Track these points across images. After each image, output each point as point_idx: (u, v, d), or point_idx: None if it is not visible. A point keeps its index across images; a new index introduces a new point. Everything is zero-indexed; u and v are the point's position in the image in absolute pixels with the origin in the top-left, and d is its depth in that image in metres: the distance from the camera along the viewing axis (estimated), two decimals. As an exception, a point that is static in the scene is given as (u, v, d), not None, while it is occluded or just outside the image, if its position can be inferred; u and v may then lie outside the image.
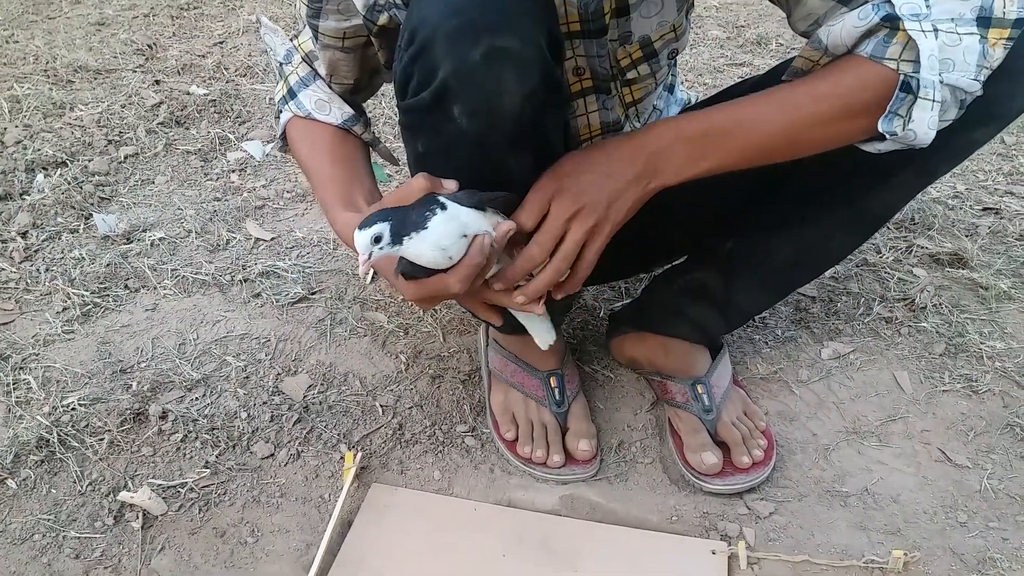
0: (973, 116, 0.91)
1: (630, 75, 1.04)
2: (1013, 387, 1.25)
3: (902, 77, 0.81)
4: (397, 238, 0.77)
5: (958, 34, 0.81)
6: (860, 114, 0.84)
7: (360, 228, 0.77)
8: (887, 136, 0.83)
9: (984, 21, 0.83)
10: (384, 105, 2.09)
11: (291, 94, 1.09)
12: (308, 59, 1.09)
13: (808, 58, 0.89)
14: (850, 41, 0.83)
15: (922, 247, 1.55)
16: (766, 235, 1.07)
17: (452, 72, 0.77)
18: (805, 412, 1.22)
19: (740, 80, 1.26)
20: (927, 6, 0.81)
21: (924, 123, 0.82)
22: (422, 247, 0.77)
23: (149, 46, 2.53)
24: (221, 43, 2.59)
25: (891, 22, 0.80)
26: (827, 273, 1.46)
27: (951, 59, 0.81)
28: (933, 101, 0.81)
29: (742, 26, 2.69)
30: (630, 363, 1.26)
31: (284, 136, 1.14)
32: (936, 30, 0.80)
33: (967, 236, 1.59)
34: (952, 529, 1.04)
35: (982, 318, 1.39)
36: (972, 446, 1.16)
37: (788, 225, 1.05)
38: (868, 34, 0.82)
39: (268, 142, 1.96)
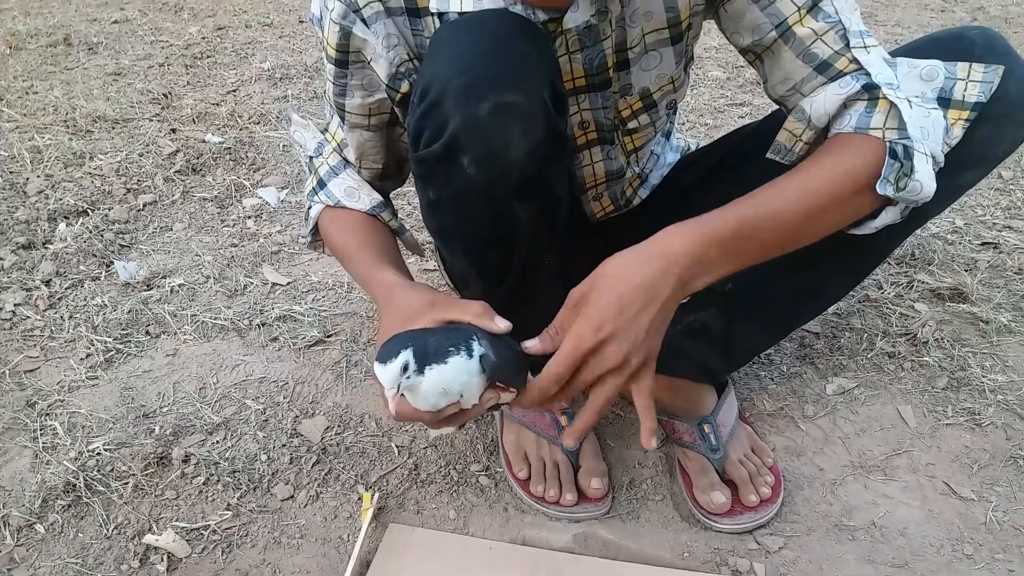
0: (960, 161, 0.96)
1: (631, 125, 1.09)
2: (1015, 420, 1.27)
3: (888, 145, 0.86)
4: (423, 363, 0.76)
5: (925, 108, 0.88)
6: (863, 189, 0.87)
7: (382, 361, 0.75)
8: (895, 199, 0.87)
9: (944, 101, 0.91)
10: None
11: (321, 184, 1.13)
12: (339, 148, 1.13)
13: (791, 131, 0.95)
14: (832, 109, 0.89)
15: (923, 282, 1.59)
16: (765, 276, 1.11)
17: (461, 126, 0.83)
18: (811, 447, 1.25)
19: (734, 130, 1.31)
20: (897, 80, 0.88)
21: (926, 174, 0.86)
22: (431, 386, 0.77)
23: (164, 95, 2.61)
24: (234, 91, 2.67)
25: (870, 91, 0.87)
26: (829, 310, 1.50)
27: (925, 128, 0.87)
28: (926, 154, 0.86)
29: (741, 66, 2.75)
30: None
31: (315, 232, 1.17)
32: (910, 101, 0.86)
33: (967, 271, 1.62)
34: (959, 562, 1.06)
35: (983, 352, 1.41)
36: (976, 479, 1.18)
37: (786, 265, 1.09)
38: (849, 103, 0.87)
39: (282, 188, 2.02)
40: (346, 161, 1.13)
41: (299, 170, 2.09)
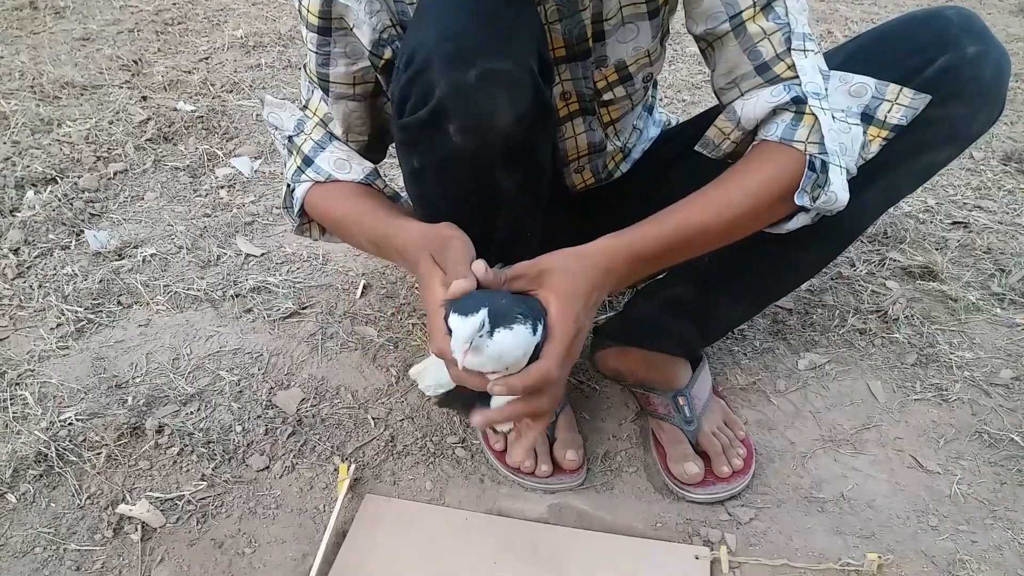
0: (935, 139, 0.98)
1: (606, 96, 1.09)
2: (981, 395, 1.30)
3: (808, 157, 0.91)
4: (493, 325, 0.77)
5: (847, 123, 0.94)
6: (784, 197, 0.92)
7: (463, 314, 0.76)
8: (810, 208, 0.92)
9: (867, 118, 0.97)
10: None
11: (307, 162, 1.08)
12: (323, 122, 1.09)
13: (721, 129, 0.99)
14: (761, 115, 0.93)
15: (894, 260, 1.61)
16: (741, 251, 1.12)
17: (448, 92, 0.82)
18: (783, 421, 1.27)
19: (712, 107, 1.32)
20: (825, 90, 0.93)
21: (840, 186, 0.92)
22: (504, 347, 0.77)
23: (135, 62, 2.55)
24: (207, 59, 2.62)
25: (798, 104, 0.91)
26: (803, 286, 1.52)
27: (844, 143, 0.93)
28: (840, 167, 0.91)
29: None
30: (614, 376, 1.30)
31: (302, 212, 1.11)
32: (833, 116, 0.92)
33: (937, 249, 1.65)
34: (924, 532, 1.08)
35: (952, 329, 1.44)
36: (942, 453, 1.21)
37: (762, 241, 1.10)
38: (778, 111, 0.92)
39: (256, 158, 1.99)
40: (331, 134, 1.09)
41: (274, 147, 2.06)
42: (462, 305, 0.77)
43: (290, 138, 1.10)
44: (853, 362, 1.38)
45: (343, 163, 1.08)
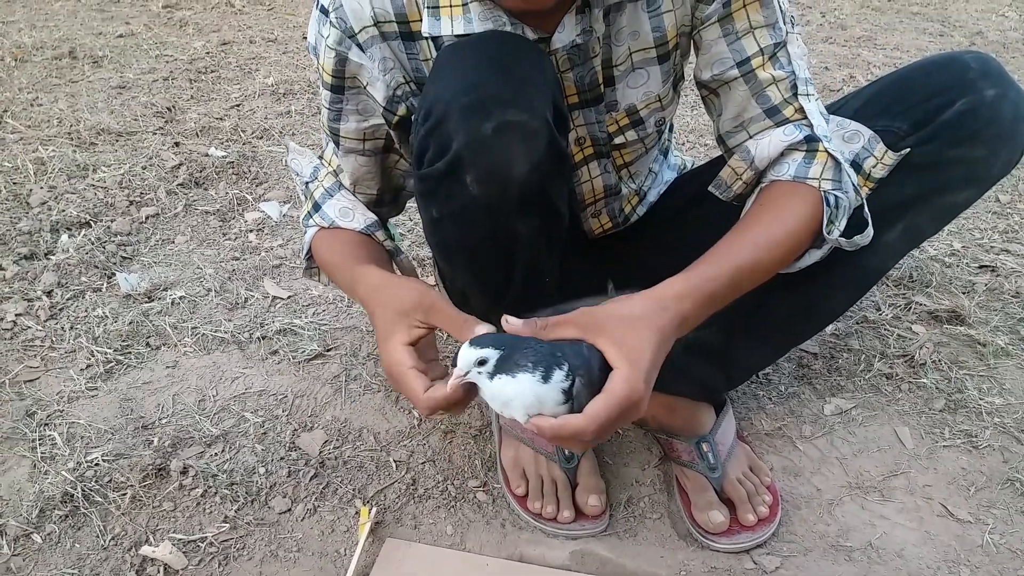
0: (955, 181, 0.98)
1: (618, 140, 1.10)
2: (1012, 442, 1.28)
3: (823, 194, 0.94)
4: (496, 371, 0.77)
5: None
6: (814, 232, 0.95)
7: (471, 344, 0.78)
8: (839, 243, 0.95)
9: (856, 166, 1.01)
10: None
11: (316, 207, 1.13)
12: (335, 172, 1.14)
13: (734, 169, 1.01)
14: (775, 154, 0.96)
15: (920, 304, 1.60)
16: (765, 294, 1.12)
17: (465, 144, 0.84)
18: (809, 467, 1.25)
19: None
20: (828, 135, 0.97)
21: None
22: (506, 392, 0.77)
23: (168, 109, 2.62)
24: (238, 106, 2.69)
25: (811, 143, 0.95)
26: (828, 330, 1.51)
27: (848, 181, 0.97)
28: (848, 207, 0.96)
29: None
30: (637, 421, 1.29)
31: (310, 256, 1.16)
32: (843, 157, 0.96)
33: (964, 293, 1.63)
34: (955, 584, 1.06)
35: (980, 374, 1.42)
36: (973, 501, 1.18)
37: (785, 284, 1.10)
38: (787, 152, 0.95)
39: (284, 203, 2.03)
40: (341, 184, 1.13)
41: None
42: (480, 339, 0.79)
43: (306, 184, 1.16)
44: (880, 407, 1.36)
45: (347, 211, 1.11)
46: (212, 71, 3.02)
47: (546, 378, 0.76)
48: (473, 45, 0.88)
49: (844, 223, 0.95)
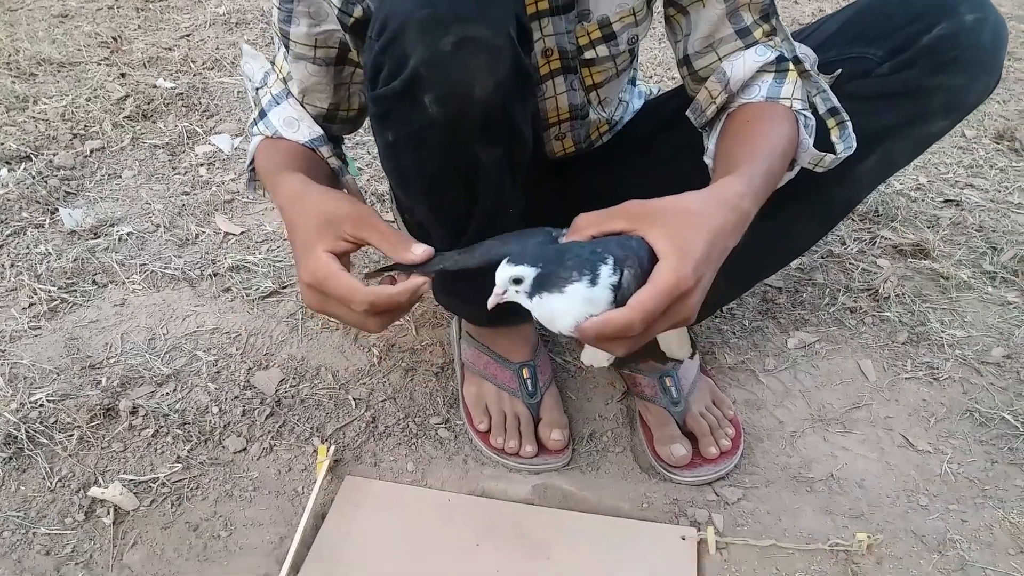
0: (932, 109, 0.95)
1: (588, 55, 1.04)
2: (972, 374, 1.28)
3: (794, 114, 0.91)
4: (536, 290, 0.72)
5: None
6: (794, 149, 0.91)
7: (507, 261, 0.72)
8: (823, 158, 0.92)
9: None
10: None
11: (261, 115, 1.05)
12: (285, 79, 1.05)
13: (710, 91, 0.97)
14: (748, 75, 0.93)
15: (886, 238, 1.59)
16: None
17: (423, 61, 0.78)
18: (772, 400, 1.25)
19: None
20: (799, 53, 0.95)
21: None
22: (553, 309, 0.71)
23: (114, 39, 2.50)
24: (188, 36, 2.56)
25: (781, 63, 0.93)
26: (793, 264, 1.49)
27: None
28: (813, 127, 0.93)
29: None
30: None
31: (253, 167, 1.07)
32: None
33: (929, 227, 1.63)
34: (914, 512, 1.07)
35: (943, 307, 1.42)
36: (933, 432, 1.19)
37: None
38: (761, 72, 0.93)
39: (236, 135, 1.95)
40: (289, 92, 1.06)
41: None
42: (518, 255, 0.73)
43: (256, 90, 1.07)
44: (843, 341, 1.35)
45: (293, 122, 1.03)
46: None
47: (593, 280, 0.69)
48: None
49: (810, 141, 0.91)
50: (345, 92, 1.07)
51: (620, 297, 0.70)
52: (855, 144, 0.93)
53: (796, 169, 0.92)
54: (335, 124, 1.10)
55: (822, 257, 1.54)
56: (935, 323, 1.38)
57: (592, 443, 1.18)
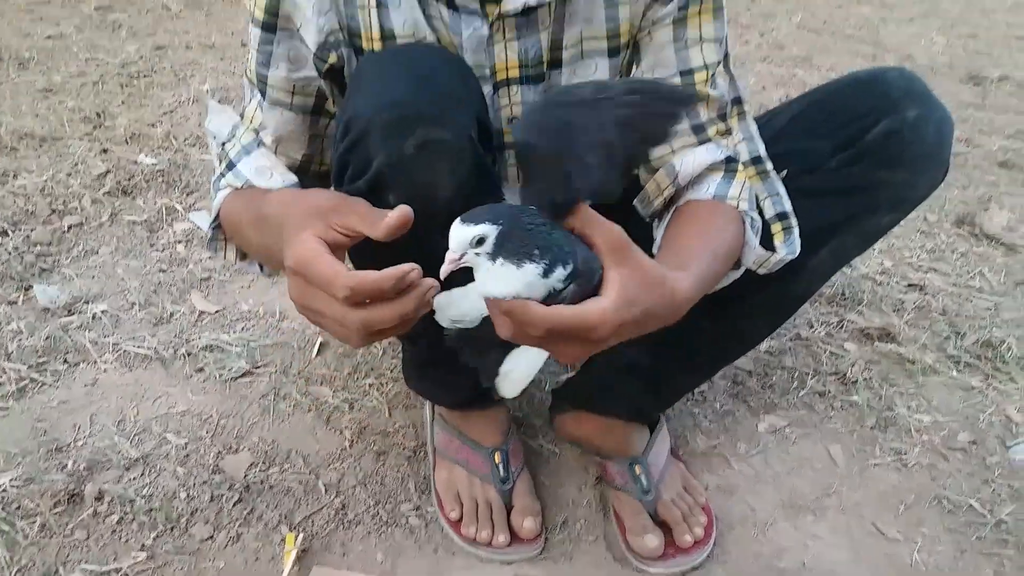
0: (881, 204, 0.99)
1: None
2: (940, 460, 1.30)
3: (741, 214, 0.94)
4: (498, 251, 0.66)
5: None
6: (740, 248, 0.94)
7: (463, 221, 0.68)
8: (767, 260, 0.96)
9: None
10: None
11: (230, 166, 0.99)
12: (257, 130, 1.01)
13: (659, 183, 0.99)
14: (696, 172, 0.95)
15: (852, 322, 1.62)
16: (690, 316, 1.11)
17: (386, 163, 0.81)
18: (743, 486, 1.25)
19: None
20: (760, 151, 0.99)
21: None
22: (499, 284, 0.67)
23: (98, 114, 2.53)
24: (171, 112, 2.60)
25: (730, 164, 0.95)
26: (761, 347, 1.52)
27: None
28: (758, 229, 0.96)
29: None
30: (572, 441, 1.27)
31: (217, 224, 1.02)
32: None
33: (895, 311, 1.66)
34: (885, 603, 1.07)
35: (910, 392, 1.45)
36: (902, 519, 1.19)
37: (711, 306, 1.09)
38: (710, 170, 0.95)
39: (216, 213, 1.96)
40: (261, 141, 1.01)
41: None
42: (472, 214, 0.67)
43: (222, 144, 1.02)
44: (813, 425, 1.37)
45: (265, 170, 0.97)
46: (145, 76, 2.93)
47: (547, 273, 0.67)
48: (394, 56, 0.86)
49: (756, 242, 0.94)
50: (319, 145, 1.05)
51: (550, 300, 0.68)
52: (798, 249, 0.96)
53: (741, 270, 0.95)
54: (306, 178, 1.04)
55: (791, 340, 1.57)
56: (902, 408, 1.40)
57: (565, 531, 1.17)
